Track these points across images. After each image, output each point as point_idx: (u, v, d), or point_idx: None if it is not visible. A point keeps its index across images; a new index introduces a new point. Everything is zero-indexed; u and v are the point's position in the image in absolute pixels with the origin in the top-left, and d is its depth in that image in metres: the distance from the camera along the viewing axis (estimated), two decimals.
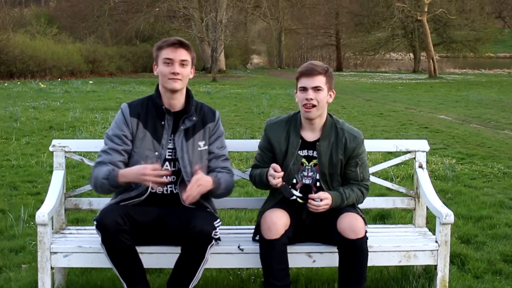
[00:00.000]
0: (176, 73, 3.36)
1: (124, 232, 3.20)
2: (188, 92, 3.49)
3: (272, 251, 3.33)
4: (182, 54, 3.38)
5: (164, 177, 3.25)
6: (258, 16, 39.08)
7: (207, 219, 3.29)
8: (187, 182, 3.34)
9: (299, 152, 3.51)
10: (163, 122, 3.42)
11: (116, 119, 3.46)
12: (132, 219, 3.24)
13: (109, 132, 3.45)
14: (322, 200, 3.36)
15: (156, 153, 3.40)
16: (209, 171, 3.51)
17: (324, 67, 3.49)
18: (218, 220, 3.35)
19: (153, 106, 3.45)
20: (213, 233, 3.25)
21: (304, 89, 3.45)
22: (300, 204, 3.48)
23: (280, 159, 3.53)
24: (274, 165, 3.39)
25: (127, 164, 3.39)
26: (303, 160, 3.54)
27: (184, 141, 3.42)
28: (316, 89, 3.43)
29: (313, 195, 3.39)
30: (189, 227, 3.21)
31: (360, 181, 3.55)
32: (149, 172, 3.18)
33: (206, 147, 3.49)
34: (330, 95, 3.51)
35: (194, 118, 3.44)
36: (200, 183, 3.25)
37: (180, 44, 3.39)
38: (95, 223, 3.24)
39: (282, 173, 3.38)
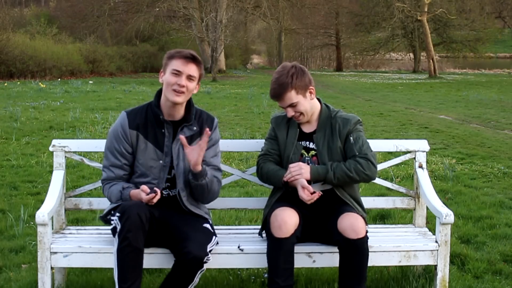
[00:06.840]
0: (182, 86, 3.34)
1: (142, 231, 3.17)
2: (189, 101, 3.47)
3: (280, 250, 3.33)
4: (192, 69, 3.37)
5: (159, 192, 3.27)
6: (258, 16, 39.02)
7: (202, 242, 3.26)
8: (181, 190, 3.41)
9: (298, 142, 3.58)
10: (163, 130, 3.42)
11: (115, 131, 3.44)
12: (151, 221, 3.24)
13: (108, 144, 3.45)
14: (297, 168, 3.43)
15: (161, 162, 3.40)
16: None
17: (285, 82, 3.49)
18: (213, 238, 3.34)
19: (152, 115, 3.44)
20: (205, 258, 3.23)
21: (285, 108, 3.58)
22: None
23: (283, 149, 3.61)
24: (306, 185, 3.39)
25: (131, 175, 3.45)
26: (303, 151, 3.59)
27: (181, 149, 3.40)
28: (291, 106, 3.53)
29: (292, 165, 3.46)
30: (182, 252, 3.20)
31: (357, 153, 3.50)
32: (145, 198, 3.22)
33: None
34: (310, 92, 3.55)
35: (195, 128, 3.45)
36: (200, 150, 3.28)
37: (192, 59, 3.37)
38: (118, 214, 3.18)
39: (315, 195, 3.37)
